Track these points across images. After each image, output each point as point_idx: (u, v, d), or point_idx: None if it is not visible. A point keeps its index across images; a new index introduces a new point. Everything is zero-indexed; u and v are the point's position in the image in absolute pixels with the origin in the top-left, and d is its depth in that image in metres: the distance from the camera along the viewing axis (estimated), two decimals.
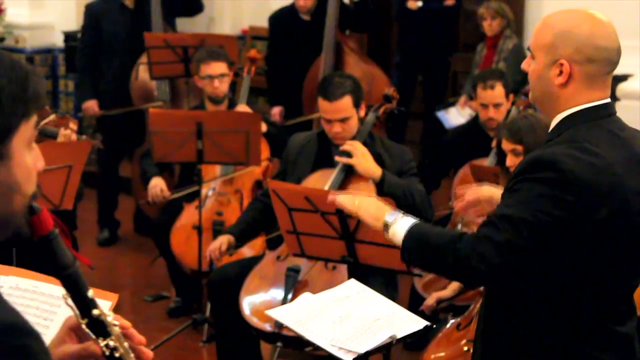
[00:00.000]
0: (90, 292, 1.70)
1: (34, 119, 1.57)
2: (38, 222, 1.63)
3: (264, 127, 6.28)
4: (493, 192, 3.21)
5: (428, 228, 3.02)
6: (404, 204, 4.78)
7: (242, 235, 5.24)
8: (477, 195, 3.23)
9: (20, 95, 1.53)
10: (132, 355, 1.72)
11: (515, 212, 2.73)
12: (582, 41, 2.80)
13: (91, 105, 7.72)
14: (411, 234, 2.94)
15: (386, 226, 3.01)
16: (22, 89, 1.53)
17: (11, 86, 1.51)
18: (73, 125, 5.73)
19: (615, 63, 2.89)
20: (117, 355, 1.70)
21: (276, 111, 7.83)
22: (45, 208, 1.65)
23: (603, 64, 2.84)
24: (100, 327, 1.70)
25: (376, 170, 4.96)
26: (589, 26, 2.82)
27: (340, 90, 5.06)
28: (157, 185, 6.24)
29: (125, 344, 1.71)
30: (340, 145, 5.09)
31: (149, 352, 1.81)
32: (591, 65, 2.82)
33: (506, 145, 4.61)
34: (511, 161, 4.55)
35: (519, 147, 4.47)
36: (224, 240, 5.14)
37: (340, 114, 5.04)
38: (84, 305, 1.69)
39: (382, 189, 4.91)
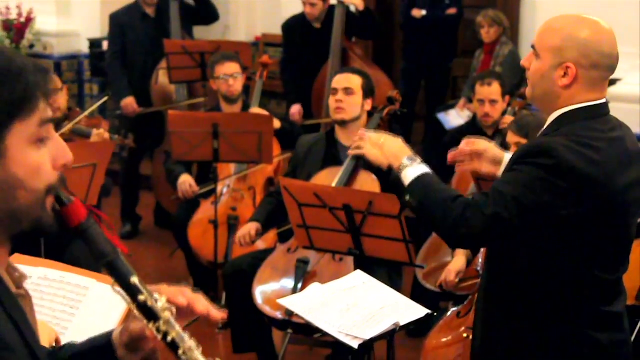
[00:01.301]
0: (135, 279, 1.67)
1: (34, 117, 1.56)
2: (69, 213, 1.62)
3: (277, 124, 6.32)
4: (487, 145, 3.21)
5: (435, 181, 3.02)
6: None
7: (265, 223, 5.25)
8: (471, 147, 3.22)
9: (7, 97, 1.52)
10: (186, 337, 1.68)
11: (509, 190, 2.75)
12: (589, 47, 2.79)
13: (130, 102, 7.72)
14: (419, 180, 2.96)
15: (402, 166, 3.03)
16: (9, 91, 1.52)
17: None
18: (105, 125, 5.76)
19: (614, 69, 2.89)
20: (169, 338, 1.67)
21: (295, 110, 7.81)
22: (77, 199, 1.64)
23: (605, 70, 2.85)
24: (148, 312, 1.66)
25: (385, 161, 4.96)
26: (595, 33, 2.82)
27: (354, 70, 5.15)
28: (186, 181, 6.27)
29: (178, 328, 1.68)
30: (340, 122, 5.17)
31: (216, 315, 1.79)
32: (595, 71, 2.82)
33: (511, 139, 4.61)
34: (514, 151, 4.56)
35: (524, 141, 4.48)
36: (252, 227, 5.14)
37: (347, 83, 5.06)
38: (129, 291, 1.66)
39: (390, 177, 4.93)
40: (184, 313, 1.75)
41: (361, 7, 7.81)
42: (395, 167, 3.07)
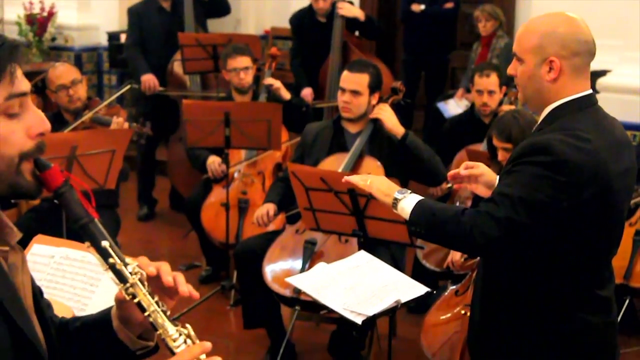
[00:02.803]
0: (105, 243, 1.70)
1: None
2: (48, 178, 1.65)
3: (287, 95, 6.38)
4: (484, 170, 3.19)
5: (433, 204, 3.00)
6: (424, 160, 4.95)
7: (279, 205, 5.24)
8: (469, 172, 3.20)
9: None
10: (153, 299, 1.71)
11: (514, 191, 2.73)
12: (566, 38, 2.81)
13: (150, 78, 7.67)
14: (418, 208, 2.92)
15: (395, 201, 2.99)
16: None
17: None
18: (123, 114, 5.75)
19: (594, 54, 2.91)
20: (136, 300, 1.71)
21: (307, 92, 7.81)
22: (55, 166, 1.67)
23: (586, 55, 2.86)
24: (118, 274, 1.71)
25: (400, 128, 5.01)
26: (568, 24, 2.85)
27: (362, 68, 5.10)
28: (215, 161, 6.27)
29: (144, 290, 1.71)
30: (346, 119, 5.16)
31: (185, 291, 1.78)
32: (577, 58, 2.83)
33: (497, 143, 4.59)
34: (502, 156, 4.54)
35: (509, 145, 4.46)
36: (270, 207, 5.13)
37: (355, 85, 5.03)
38: (101, 254, 1.70)
39: (405, 145, 4.99)
40: (168, 291, 1.78)
41: (362, 18, 7.85)
42: (389, 203, 3.02)
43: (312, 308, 4.51)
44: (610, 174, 2.78)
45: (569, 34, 2.82)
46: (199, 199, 6.32)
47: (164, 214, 8.08)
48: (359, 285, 3.62)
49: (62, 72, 5.70)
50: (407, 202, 2.95)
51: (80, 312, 3.02)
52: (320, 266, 3.84)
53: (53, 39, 9.92)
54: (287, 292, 4.63)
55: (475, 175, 3.17)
